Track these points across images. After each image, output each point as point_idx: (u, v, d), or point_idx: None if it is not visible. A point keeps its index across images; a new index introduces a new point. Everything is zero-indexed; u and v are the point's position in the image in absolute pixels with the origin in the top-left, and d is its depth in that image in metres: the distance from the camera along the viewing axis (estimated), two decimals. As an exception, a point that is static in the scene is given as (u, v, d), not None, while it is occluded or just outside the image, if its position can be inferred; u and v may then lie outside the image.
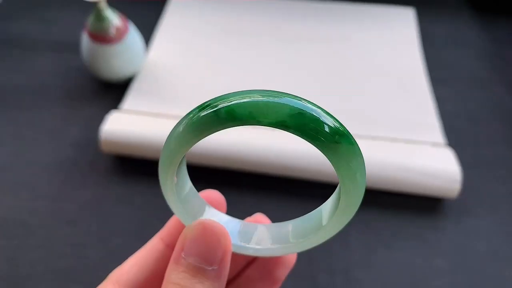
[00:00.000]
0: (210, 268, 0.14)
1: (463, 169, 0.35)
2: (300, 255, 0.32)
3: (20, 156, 0.38)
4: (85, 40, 0.40)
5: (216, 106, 0.12)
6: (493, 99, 0.44)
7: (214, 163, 0.35)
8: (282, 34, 0.49)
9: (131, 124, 0.36)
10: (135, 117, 0.37)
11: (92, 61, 0.40)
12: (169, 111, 0.39)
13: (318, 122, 0.11)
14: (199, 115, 0.12)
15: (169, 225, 0.19)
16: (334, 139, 0.12)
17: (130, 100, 0.40)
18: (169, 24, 0.50)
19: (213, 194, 0.19)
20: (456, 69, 0.47)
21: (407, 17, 0.52)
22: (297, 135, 0.11)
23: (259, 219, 0.20)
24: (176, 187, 0.15)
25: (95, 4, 0.37)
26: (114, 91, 0.43)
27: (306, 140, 0.12)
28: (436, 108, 0.41)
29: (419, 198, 0.35)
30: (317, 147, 0.12)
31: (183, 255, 0.14)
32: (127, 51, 0.40)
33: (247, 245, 0.17)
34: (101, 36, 0.38)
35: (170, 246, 0.18)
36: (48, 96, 0.43)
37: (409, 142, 0.37)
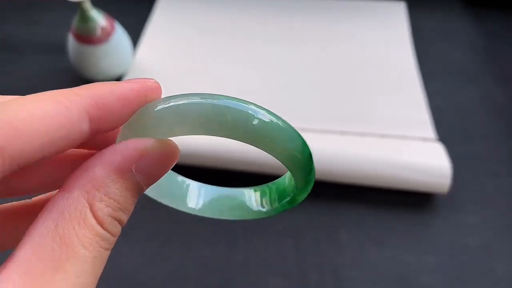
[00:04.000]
0: (144, 188, 0.12)
1: (454, 164, 0.35)
2: (289, 254, 0.32)
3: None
4: (71, 41, 0.39)
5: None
6: (484, 93, 0.44)
7: (208, 163, 0.35)
8: (272, 30, 0.49)
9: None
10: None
11: (79, 63, 0.40)
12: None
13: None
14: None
15: (105, 101, 0.12)
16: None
17: (118, 101, 0.40)
18: (157, 23, 0.50)
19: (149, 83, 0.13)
20: (447, 63, 0.47)
21: (398, 11, 0.52)
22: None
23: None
24: None
25: (79, 4, 0.36)
26: (103, 92, 0.42)
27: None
28: (427, 103, 0.41)
29: (410, 194, 0.35)
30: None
31: (134, 169, 0.12)
32: (114, 51, 0.40)
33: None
34: (87, 37, 0.38)
35: (92, 130, 0.12)
36: (36, 98, 0.42)
37: (399, 137, 0.37)
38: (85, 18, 0.37)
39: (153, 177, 0.12)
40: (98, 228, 0.11)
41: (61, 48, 0.45)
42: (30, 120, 0.10)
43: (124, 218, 0.12)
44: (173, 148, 0.13)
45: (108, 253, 0.11)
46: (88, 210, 0.11)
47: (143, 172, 0.12)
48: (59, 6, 0.53)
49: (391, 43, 0.48)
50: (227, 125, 0.11)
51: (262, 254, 0.32)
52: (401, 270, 0.31)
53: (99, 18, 0.38)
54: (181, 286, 0.31)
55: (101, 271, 0.11)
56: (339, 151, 0.34)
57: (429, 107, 0.41)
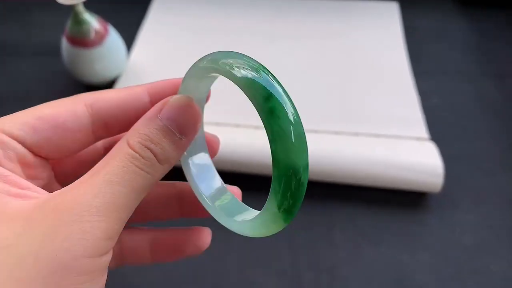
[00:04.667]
0: (178, 137, 0.15)
1: (448, 163, 0.35)
2: (284, 253, 0.32)
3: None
4: (64, 44, 0.39)
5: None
6: (477, 92, 0.44)
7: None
8: (266, 31, 0.49)
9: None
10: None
11: (73, 65, 0.40)
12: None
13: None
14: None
15: (159, 84, 0.18)
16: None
17: (112, 104, 0.40)
18: (152, 25, 0.50)
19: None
20: (440, 63, 0.47)
21: (391, 11, 0.52)
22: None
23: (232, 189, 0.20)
24: None
25: (72, 7, 0.36)
26: (97, 95, 0.42)
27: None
28: (420, 102, 0.41)
29: (403, 193, 0.35)
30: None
31: (159, 116, 0.15)
32: (108, 54, 0.40)
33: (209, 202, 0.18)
34: (80, 40, 0.38)
35: (151, 103, 0.18)
36: (30, 101, 0.42)
37: (392, 137, 0.37)
38: (78, 21, 0.37)
39: (179, 123, 0.15)
40: (128, 149, 0.14)
41: (56, 50, 0.45)
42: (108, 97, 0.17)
43: (155, 148, 0.15)
44: (188, 99, 0.16)
45: (143, 173, 0.14)
46: (125, 142, 0.15)
47: (165, 117, 0.15)
48: (53, 8, 0.53)
49: (384, 43, 0.48)
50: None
51: (256, 253, 0.32)
52: (395, 268, 0.31)
53: (93, 21, 0.38)
54: (175, 286, 0.31)
55: (136, 184, 0.14)
56: (332, 150, 0.34)
57: (422, 106, 0.41)
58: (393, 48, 0.47)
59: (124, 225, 0.14)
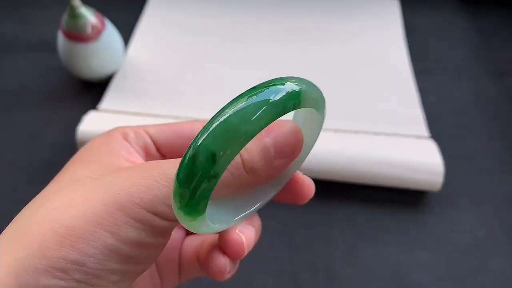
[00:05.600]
0: (272, 155, 0.15)
1: (447, 161, 0.35)
2: (282, 253, 0.32)
3: (-3, 159, 0.37)
4: (60, 39, 0.39)
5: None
6: (477, 90, 0.44)
7: None
8: (264, 29, 0.49)
9: (108, 124, 0.35)
10: (112, 116, 0.36)
11: (69, 61, 0.40)
12: (149, 110, 0.38)
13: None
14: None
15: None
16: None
17: (108, 99, 0.40)
18: (149, 20, 0.49)
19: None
20: (440, 61, 0.47)
21: (392, 8, 0.52)
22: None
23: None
24: None
25: (69, 1, 0.36)
26: (95, 90, 0.42)
27: None
28: (420, 100, 0.41)
29: (402, 191, 0.35)
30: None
31: (263, 133, 0.15)
32: (105, 49, 0.40)
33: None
34: (77, 35, 0.38)
35: None
36: (27, 97, 0.42)
37: (392, 135, 0.36)
38: (74, 15, 0.37)
39: (274, 139, 0.15)
40: None
41: (54, 45, 0.44)
42: None
43: (244, 154, 0.15)
44: (296, 126, 0.16)
45: (229, 176, 0.15)
46: None
47: (268, 136, 0.15)
48: (50, 3, 0.52)
49: (384, 40, 0.47)
50: None
51: (254, 253, 0.32)
52: (394, 268, 0.31)
53: (89, 16, 0.38)
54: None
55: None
56: (331, 148, 0.34)
57: (422, 104, 0.41)
58: (393, 45, 0.47)
59: None
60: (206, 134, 0.12)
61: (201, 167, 0.12)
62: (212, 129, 0.12)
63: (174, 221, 0.15)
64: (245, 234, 0.17)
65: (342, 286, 0.30)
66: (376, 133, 0.36)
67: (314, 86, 0.14)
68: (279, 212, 0.34)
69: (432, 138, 0.37)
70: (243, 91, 0.13)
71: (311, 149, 0.17)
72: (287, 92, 0.13)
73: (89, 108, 0.39)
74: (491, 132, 0.40)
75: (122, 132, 0.19)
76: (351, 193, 0.35)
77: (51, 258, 0.13)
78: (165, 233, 0.16)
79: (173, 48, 0.46)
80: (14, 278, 0.12)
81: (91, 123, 0.35)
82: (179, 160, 0.13)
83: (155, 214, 0.14)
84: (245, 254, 0.17)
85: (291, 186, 0.18)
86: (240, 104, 0.12)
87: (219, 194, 0.15)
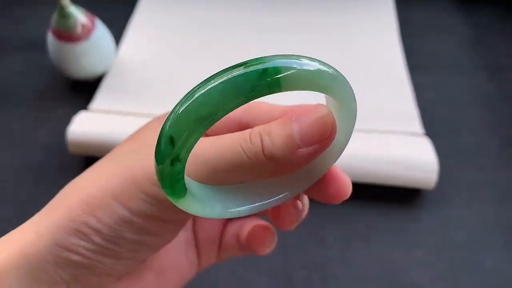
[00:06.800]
0: (297, 143, 0.14)
1: (442, 158, 0.34)
2: (275, 252, 0.32)
3: (-13, 161, 0.36)
4: (50, 39, 0.38)
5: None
6: (473, 87, 0.43)
7: None
8: (258, 24, 0.48)
9: (98, 124, 0.35)
10: (103, 116, 0.36)
11: (59, 61, 0.39)
12: (140, 109, 0.38)
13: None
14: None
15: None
16: None
17: (99, 99, 0.39)
18: (141, 19, 0.49)
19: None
20: (435, 57, 0.47)
21: (386, 3, 0.51)
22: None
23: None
24: None
25: (58, 0, 0.35)
26: (85, 90, 0.41)
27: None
28: (415, 96, 0.41)
29: (396, 189, 0.34)
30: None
31: (293, 118, 0.14)
32: (95, 48, 0.39)
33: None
34: (67, 34, 0.37)
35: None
36: (17, 97, 0.42)
37: (386, 132, 0.36)
38: (64, 14, 0.36)
39: (301, 124, 0.14)
40: (246, 132, 0.15)
41: (42, 46, 0.44)
42: None
43: (266, 139, 0.14)
44: (328, 111, 0.15)
45: (243, 155, 0.14)
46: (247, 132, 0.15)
47: (296, 122, 0.14)
48: (39, 3, 0.52)
49: (379, 36, 0.47)
50: None
51: (247, 253, 0.32)
52: (388, 266, 0.31)
53: (79, 15, 0.37)
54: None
55: (232, 160, 0.14)
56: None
57: (417, 101, 0.41)
58: (387, 41, 0.47)
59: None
60: (167, 119, 0.12)
61: (163, 151, 0.12)
62: (171, 114, 0.12)
63: None
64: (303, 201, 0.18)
65: (336, 285, 0.30)
66: (369, 130, 0.36)
67: (324, 71, 0.14)
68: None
69: (427, 135, 0.37)
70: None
71: (346, 143, 0.16)
72: (257, 71, 0.12)
73: (79, 108, 0.38)
74: (486, 129, 0.40)
75: None
76: (345, 191, 0.34)
77: (76, 222, 0.15)
78: (179, 210, 0.16)
79: (165, 47, 0.45)
80: (52, 235, 0.15)
81: (81, 124, 0.35)
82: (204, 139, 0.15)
83: None
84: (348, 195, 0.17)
85: (325, 182, 0.17)
86: (201, 87, 0.12)
87: (240, 180, 0.15)
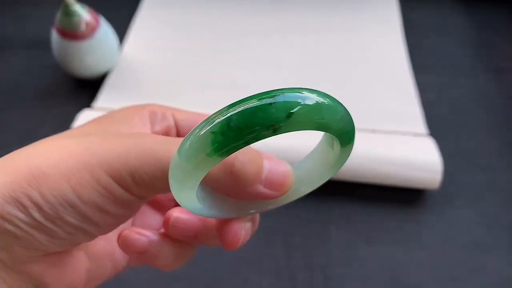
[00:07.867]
0: (260, 183, 0.15)
1: (446, 159, 0.34)
2: (278, 252, 0.32)
3: (-9, 158, 0.37)
4: (54, 37, 0.38)
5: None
6: (476, 87, 0.43)
7: None
8: (261, 25, 0.48)
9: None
10: (107, 115, 0.36)
11: (63, 59, 0.39)
12: (144, 108, 0.38)
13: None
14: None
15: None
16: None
17: (103, 97, 0.39)
18: (145, 17, 0.49)
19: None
20: (439, 57, 0.46)
21: (390, 4, 0.51)
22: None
23: None
24: None
25: (61, -2, 0.35)
26: (90, 88, 0.41)
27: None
28: (419, 97, 0.41)
29: (400, 190, 0.34)
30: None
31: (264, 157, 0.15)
32: (100, 47, 0.39)
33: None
34: (71, 32, 0.37)
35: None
36: (21, 95, 0.42)
37: (390, 132, 0.36)
38: (68, 12, 0.36)
39: (272, 171, 0.15)
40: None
41: (46, 44, 0.44)
42: None
43: (239, 160, 0.15)
44: (291, 179, 0.16)
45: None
46: None
47: (268, 161, 0.15)
48: (44, 1, 0.52)
49: (383, 36, 0.47)
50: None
51: (250, 252, 0.32)
52: (391, 267, 0.31)
53: (83, 13, 0.37)
54: (169, 285, 0.30)
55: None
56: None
57: (421, 101, 0.40)
58: (391, 42, 0.46)
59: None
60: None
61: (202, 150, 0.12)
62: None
63: (139, 197, 0.15)
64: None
65: (339, 285, 0.30)
66: (373, 131, 0.36)
67: (325, 107, 0.12)
68: (275, 211, 0.33)
69: (431, 135, 0.37)
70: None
71: (312, 188, 0.17)
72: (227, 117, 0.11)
73: (83, 107, 0.39)
74: (490, 130, 0.39)
75: (151, 110, 0.19)
76: (348, 191, 0.34)
77: (17, 192, 0.14)
78: (128, 206, 0.16)
79: (169, 45, 0.45)
80: None
81: (85, 122, 0.35)
82: (163, 137, 0.15)
83: (120, 184, 0.15)
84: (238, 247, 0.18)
85: (223, 231, 0.18)
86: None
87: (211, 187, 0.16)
